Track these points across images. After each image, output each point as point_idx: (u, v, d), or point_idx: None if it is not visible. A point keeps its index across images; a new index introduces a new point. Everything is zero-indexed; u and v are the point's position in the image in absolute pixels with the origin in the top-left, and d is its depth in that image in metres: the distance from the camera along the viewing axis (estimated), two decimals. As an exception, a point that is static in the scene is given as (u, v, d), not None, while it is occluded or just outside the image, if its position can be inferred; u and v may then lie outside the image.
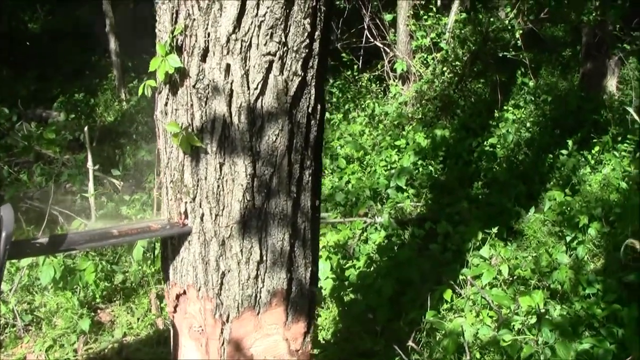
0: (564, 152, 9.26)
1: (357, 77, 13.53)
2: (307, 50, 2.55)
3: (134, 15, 15.82)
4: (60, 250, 2.70)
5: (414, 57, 12.57)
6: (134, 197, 7.51)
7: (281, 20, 2.44)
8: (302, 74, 2.57)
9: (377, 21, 13.29)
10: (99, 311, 5.92)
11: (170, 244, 2.88)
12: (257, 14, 2.42)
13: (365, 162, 9.41)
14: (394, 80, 12.80)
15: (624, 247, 6.05)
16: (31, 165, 9.08)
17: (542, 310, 5.18)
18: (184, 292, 2.87)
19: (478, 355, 4.98)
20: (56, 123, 11.26)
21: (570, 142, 9.33)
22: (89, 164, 7.28)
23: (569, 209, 7.37)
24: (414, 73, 12.39)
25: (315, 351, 5.19)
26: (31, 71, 15.17)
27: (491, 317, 5.35)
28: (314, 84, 2.64)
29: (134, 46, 14.39)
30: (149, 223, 2.87)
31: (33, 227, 6.93)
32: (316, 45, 2.59)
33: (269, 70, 2.50)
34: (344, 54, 13.69)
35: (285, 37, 2.48)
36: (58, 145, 10.10)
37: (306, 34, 2.52)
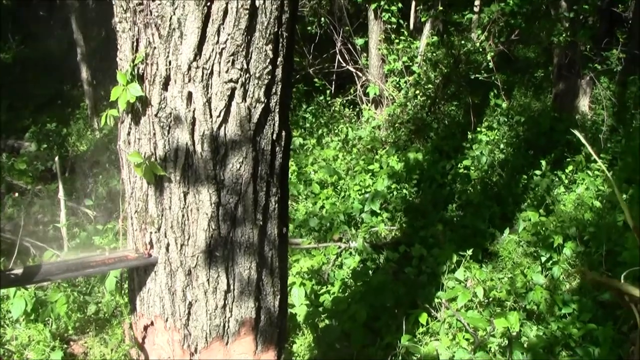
0: (538, 172, 9.31)
1: (330, 102, 13.55)
2: (269, 77, 2.53)
3: (106, 44, 15.80)
4: (35, 282, 2.67)
5: (387, 81, 12.62)
6: (107, 227, 7.44)
7: (242, 47, 2.42)
8: (265, 100, 2.55)
9: (349, 46, 13.36)
10: (71, 343, 5.84)
11: (137, 275, 2.84)
12: (218, 41, 2.40)
13: (339, 187, 9.39)
14: (367, 105, 12.84)
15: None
16: (2, 197, 8.98)
17: (514, 333, 5.18)
18: (152, 324, 2.84)
19: (454, 379, 4.96)
20: (28, 153, 11.19)
21: (543, 163, 9.38)
22: (60, 194, 7.21)
23: (543, 229, 7.39)
24: (387, 97, 12.43)
25: (291, 379, 5.16)
26: (2, 101, 15.06)
27: (467, 339, 5.33)
28: (277, 110, 2.62)
29: (107, 75, 14.37)
30: (126, 253, 2.84)
31: (4, 259, 6.84)
32: (279, 71, 2.57)
33: (231, 97, 2.48)
34: (316, 79, 13.75)
35: (247, 63, 2.46)
36: (30, 175, 10.02)
37: (268, 60, 2.51)
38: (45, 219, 8.25)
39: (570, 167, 9.41)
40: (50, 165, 10.24)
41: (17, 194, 9.02)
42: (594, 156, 3.06)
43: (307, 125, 12.88)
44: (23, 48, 20.24)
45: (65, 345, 5.71)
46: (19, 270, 2.56)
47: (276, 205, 2.77)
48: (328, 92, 13.68)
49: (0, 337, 5.78)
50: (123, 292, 6.10)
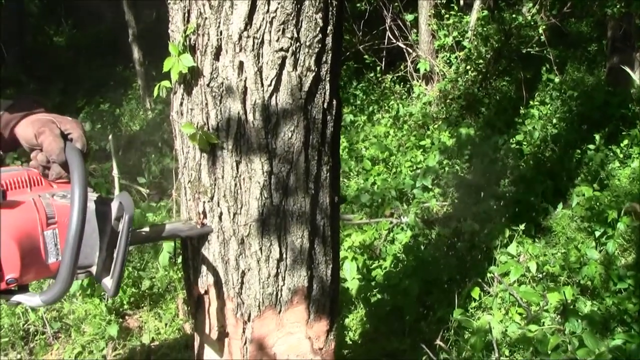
0: (592, 147, 9.17)
1: (380, 79, 13.51)
2: (320, 45, 2.52)
3: (157, 25, 15.91)
4: (163, 238, 2.72)
5: (437, 57, 12.54)
6: (160, 204, 7.53)
7: (292, 15, 2.42)
8: (316, 69, 2.54)
9: (399, 22, 13.28)
10: (126, 317, 5.94)
11: (190, 245, 2.87)
12: (268, 10, 2.40)
13: (390, 163, 9.37)
14: (418, 81, 12.78)
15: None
16: (58, 176, 9.12)
17: (569, 301, 5.14)
18: (205, 293, 2.86)
19: (507, 353, 4.93)
20: (82, 133, 11.34)
21: (597, 137, 9.24)
22: (114, 172, 7.31)
23: (597, 204, 7.29)
24: (438, 73, 12.36)
25: (344, 352, 5.18)
26: (56, 83, 15.28)
27: (520, 314, 5.31)
28: (328, 79, 2.61)
29: (158, 55, 14.49)
30: None
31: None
32: (329, 40, 2.56)
33: (282, 66, 2.48)
34: (366, 56, 13.71)
35: (298, 32, 2.46)
36: (85, 155, 10.16)
37: (318, 28, 2.50)
38: (100, 196, 8.37)
39: (625, 142, 9.26)
40: (104, 144, 10.38)
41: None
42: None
43: (358, 102, 12.88)
44: (75, 32, 20.50)
45: (121, 320, 5.81)
46: (146, 229, 2.60)
47: (328, 174, 2.76)
48: (378, 68, 13.64)
49: (58, 312, 5.90)
50: (176, 267, 6.18)
